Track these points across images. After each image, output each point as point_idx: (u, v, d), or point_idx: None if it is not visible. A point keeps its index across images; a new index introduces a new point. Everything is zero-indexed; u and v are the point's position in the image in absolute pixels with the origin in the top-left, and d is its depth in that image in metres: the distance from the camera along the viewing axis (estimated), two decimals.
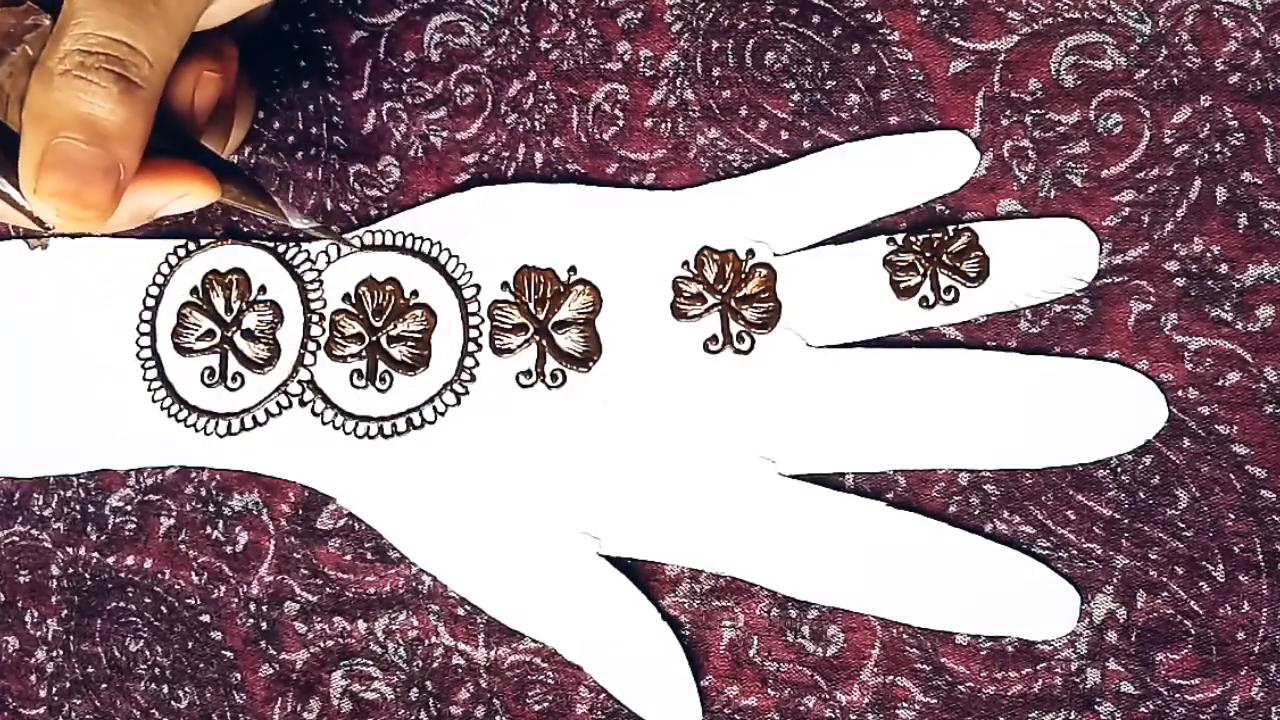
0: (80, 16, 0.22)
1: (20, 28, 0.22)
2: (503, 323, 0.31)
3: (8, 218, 0.24)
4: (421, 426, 0.31)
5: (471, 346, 0.31)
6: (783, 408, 0.30)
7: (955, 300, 0.30)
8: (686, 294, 0.31)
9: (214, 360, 0.32)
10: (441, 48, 0.33)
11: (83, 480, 0.33)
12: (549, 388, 0.31)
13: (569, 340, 0.31)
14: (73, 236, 0.33)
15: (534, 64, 0.33)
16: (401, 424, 0.31)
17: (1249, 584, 0.28)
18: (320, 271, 0.32)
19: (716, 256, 0.31)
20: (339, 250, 0.32)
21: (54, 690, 0.33)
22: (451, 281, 0.32)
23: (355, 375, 0.32)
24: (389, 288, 0.32)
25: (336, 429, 0.31)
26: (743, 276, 0.31)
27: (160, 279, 0.33)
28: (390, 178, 0.33)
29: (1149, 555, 0.28)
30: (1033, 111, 0.30)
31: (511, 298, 0.32)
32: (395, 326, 0.32)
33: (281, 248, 0.33)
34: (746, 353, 0.30)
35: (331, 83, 0.33)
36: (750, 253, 0.31)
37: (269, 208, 0.27)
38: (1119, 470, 0.29)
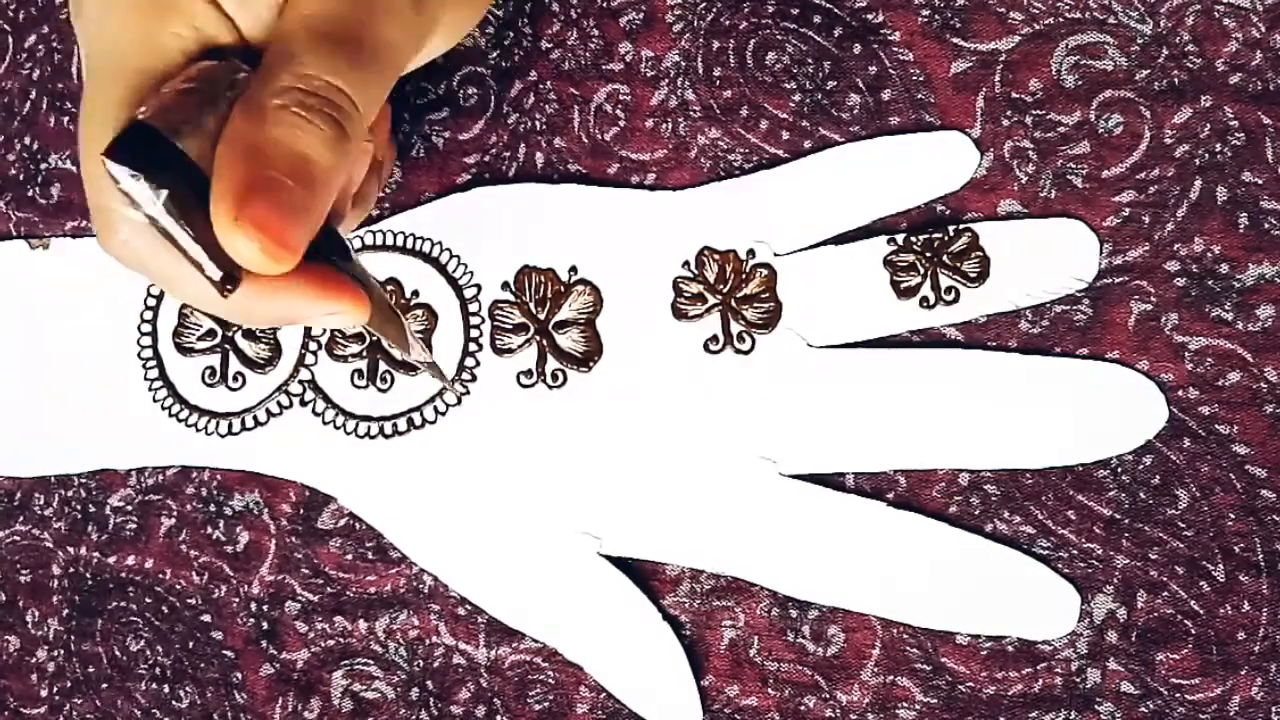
0: (302, 56, 0.21)
1: (227, 81, 0.22)
2: (503, 323, 0.31)
3: (167, 280, 0.22)
4: (422, 426, 0.31)
5: (472, 346, 0.31)
6: (783, 408, 0.30)
7: (955, 300, 0.30)
8: (687, 294, 0.31)
9: (215, 360, 0.32)
10: None
11: (84, 480, 0.33)
12: (549, 388, 0.31)
13: (569, 340, 0.31)
14: (222, 326, 0.31)
15: (535, 64, 0.33)
16: (402, 424, 0.31)
17: (1249, 584, 0.28)
18: None
19: (717, 256, 0.31)
20: (443, 391, 0.31)
21: (55, 690, 0.33)
22: (452, 281, 0.32)
23: (356, 375, 0.32)
24: (389, 287, 0.32)
25: (337, 429, 0.32)
26: (743, 276, 0.31)
27: None
28: (391, 177, 0.33)
29: (1149, 555, 0.28)
30: (1033, 112, 0.30)
31: (512, 298, 0.32)
32: None
33: None
34: (747, 353, 0.30)
35: None
36: (751, 253, 0.31)
37: (398, 336, 0.26)
38: (1119, 470, 0.29)
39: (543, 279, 0.32)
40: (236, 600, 0.32)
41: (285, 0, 0.22)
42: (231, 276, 0.21)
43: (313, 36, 0.22)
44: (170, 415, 0.32)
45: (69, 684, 0.33)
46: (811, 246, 0.31)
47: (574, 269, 0.31)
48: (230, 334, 0.32)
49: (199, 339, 0.32)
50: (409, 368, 0.31)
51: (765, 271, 0.31)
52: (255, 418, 0.32)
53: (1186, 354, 0.29)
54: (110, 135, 0.21)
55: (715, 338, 0.31)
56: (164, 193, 0.20)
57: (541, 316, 0.31)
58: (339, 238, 0.23)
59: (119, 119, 0.21)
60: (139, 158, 0.20)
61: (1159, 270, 0.29)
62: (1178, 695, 0.28)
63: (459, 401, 0.31)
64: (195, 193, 0.20)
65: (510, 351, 0.31)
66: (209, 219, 0.20)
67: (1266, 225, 0.29)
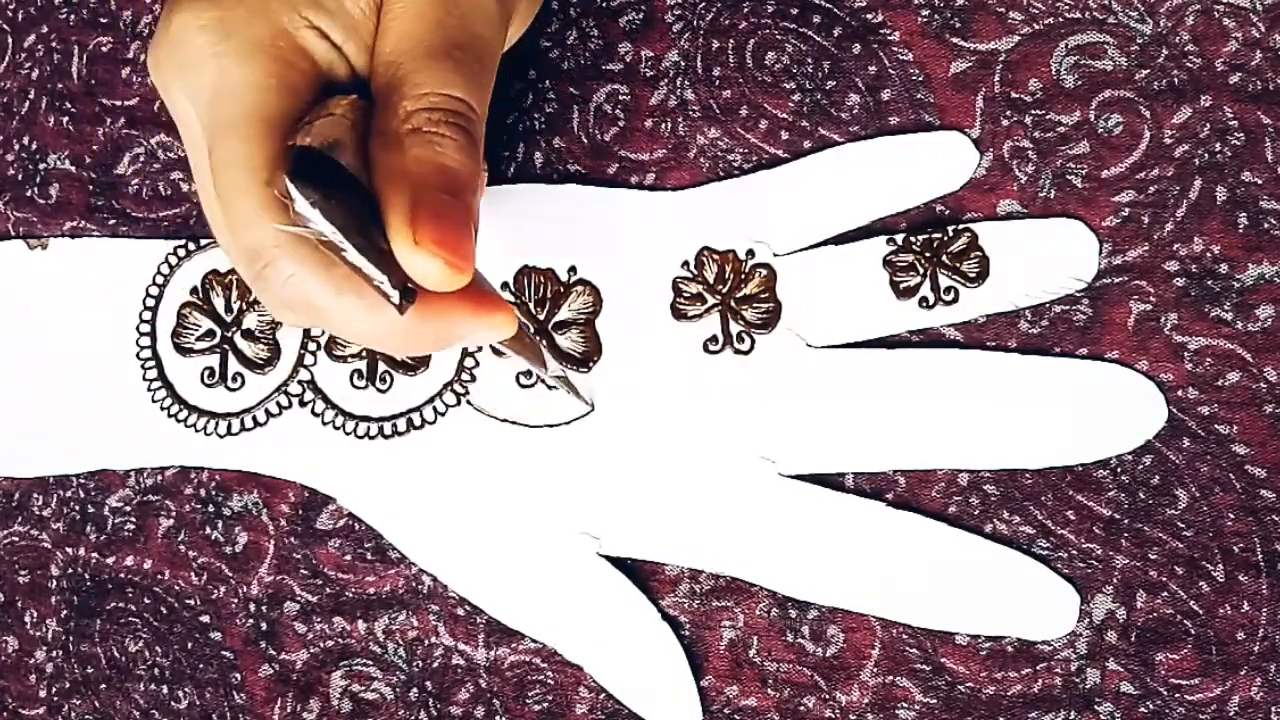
0: (414, 78, 0.22)
1: (355, 110, 0.22)
2: None
3: (329, 314, 0.23)
4: (421, 426, 0.31)
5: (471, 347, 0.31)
6: (783, 408, 0.30)
7: (955, 300, 0.30)
8: (686, 294, 0.31)
9: (214, 360, 0.32)
10: None
11: (82, 480, 0.33)
12: (550, 388, 0.31)
13: (569, 340, 0.31)
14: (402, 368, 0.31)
15: (535, 64, 0.33)
16: (402, 424, 0.31)
17: (1249, 584, 0.28)
18: None
19: (716, 257, 0.31)
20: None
21: (53, 690, 0.33)
22: None
23: (355, 375, 0.32)
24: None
25: (337, 429, 0.31)
26: (743, 277, 0.31)
27: (160, 279, 0.33)
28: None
29: (1149, 555, 0.28)
30: (1033, 112, 0.30)
31: (511, 298, 0.32)
32: None
33: None
34: (746, 353, 0.30)
35: None
36: (750, 253, 0.31)
37: (534, 355, 0.27)
38: (1119, 470, 0.29)
39: (542, 279, 0.31)
40: (235, 601, 0.32)
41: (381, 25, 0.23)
42: (409, 292, 0.21)
43: (417, 55, 0.23)
44: (169, 416, 0.32)
45: (67, 684, 0.33)
46: (811, 246, 0.31)
47: (573, 269, 0.31)
48: (229, 334, 0.32)
49: (198, 339, 0.32)
50: (407, 368, 0.31)
51: (765, 272, 0.31)
52: (254, 418, 0.32)
53: (1186, 354, 0.29)
54: (254, 178, 0.21)
55: (715, 338, 0.31)
56: (340, 212, 0.20)
57: (541, 317, 0.31)
58: (480, 276, 0.24)
59: (267, 159, 0.21)
60: (315, 181, 0.20)
61: (1158, 270, 0.29)
62: (1177, 695, 0.28)
63: (592, 410, 0.31)
64: (364, 214, 0.21)
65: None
66: (376, 241, 0.20)
67: (1266, 225, 0.29)
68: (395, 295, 0.21)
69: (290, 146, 0.21)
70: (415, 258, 0.20)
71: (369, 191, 0.21)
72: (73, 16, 0.35)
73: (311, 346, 0.32)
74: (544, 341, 0.31)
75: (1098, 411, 0.29)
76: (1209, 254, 0.29)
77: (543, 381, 0.31)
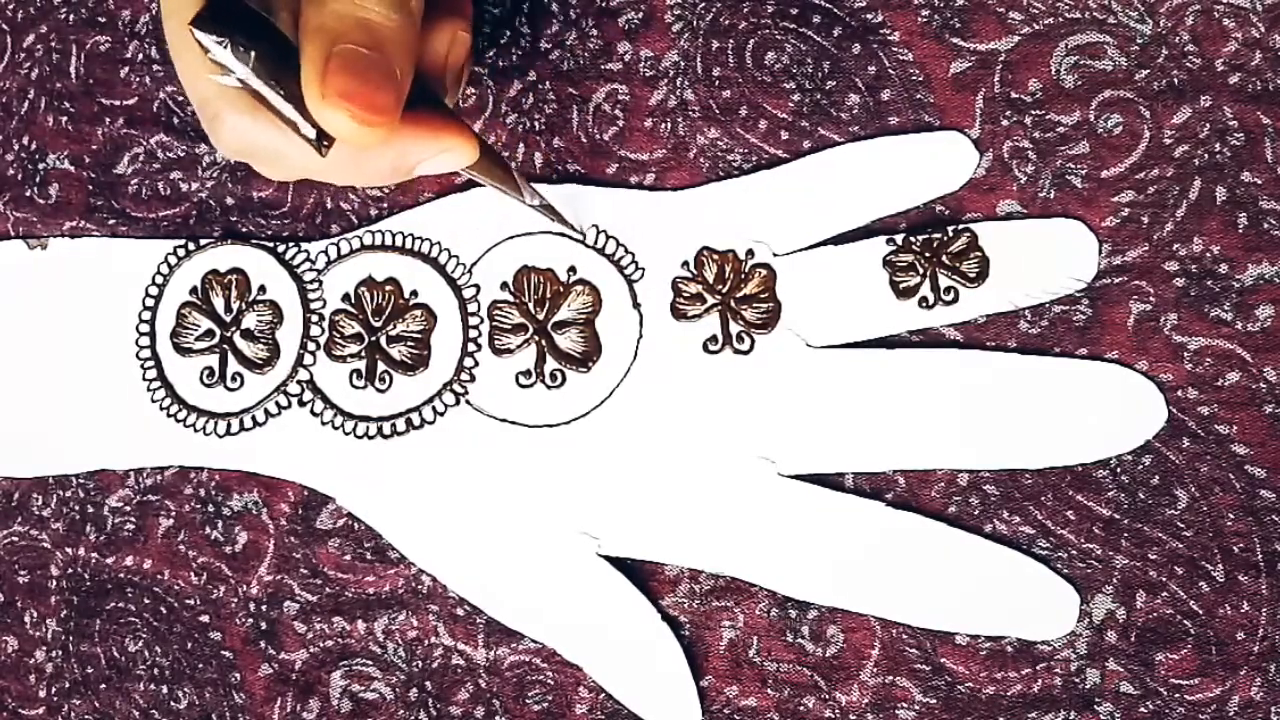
0: None
1: None
2: (502, 323, 0.31)
3: (279, 156, 0.24)
4: (421, 426, 0.31)
5: (471, 346, 0.31)
6: (783, 408, 0.30)
7: (955, 300, 0.30)
8: (686, 294, 0.31)
9: (213, 360, 0.32)
10: None
11: (82, 480, 0.33)
12: (548, 388, 0.31)
13: (569, 340, 0.31)
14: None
15: (534, 64, 0.33)
16: (401, 424, 0.31)
17: (1249, 584, 0.28)
18: (320, 272, 0.32)
19: (716, 256, 0.31)
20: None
21: (53, 690, 0.33)
22: (451, 281, 0.32)
23: (355, 375, 0.32)
24: (388, 288, 0.32)
25: (336, 429, 0.31)
26: (742, 276, 0.31)
27: (160, 279, 0.33)
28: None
29: (1148, 555, 0.28)
30: (1033, 112, 0.30)
31: (511, 298, 0.32)
32: (395, 326, 0.32)
33: (281, 248, 0.33)
34: (746, 353, 0.30)
35: None
36: (750, 253, 0.31)
37: (508, 182, 0.27)
38: (1119, 470, 0.29)
39: (542, 279, 0.31)
40: (235, 600, 0.32)
41: None
42: (326, 133, 0.23)
43: None
44: (168, 415, 0.32)
45: (67, 684, 0.33)
46: (811, 247, 0.31)
47: (573, 269, 0.31)
48: (228, 334, 0.32)
49: (197, 339, 0.32)
50: (407, 368, 0.31)
51: (764, 271, 0.31)
52: (254, 418, 0.32)
53: (1186, 354, 0.29)
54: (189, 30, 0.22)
55: (714, 338, 0.31)
56: (251, 54, 0.21)
57: (540, 316, 0.31)
58: (443, 105, 0.25)
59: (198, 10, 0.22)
60: (224, 25, 0.21)
61: (1158, 270, 0.29)
62: (1177, 695, 0.28)
63: (584, 241, 0.31)
64: (285, 59, 0.22)
65: (509, 352, 0.31)
66: (295, 89, 0.22)
67: (1266, 225, 0.29)
68: (312, 134, 0.23)
69: None
70: (323, 110, 0.21)
71: (291, 42, 0.22)
72: (71, 16, 0.35)
73: (311, 347, 0.32)
74: (545, 342, 0.31)
75: (1098, 411, 0.29)
76: (1209, 254, 0.29)
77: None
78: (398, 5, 0.23)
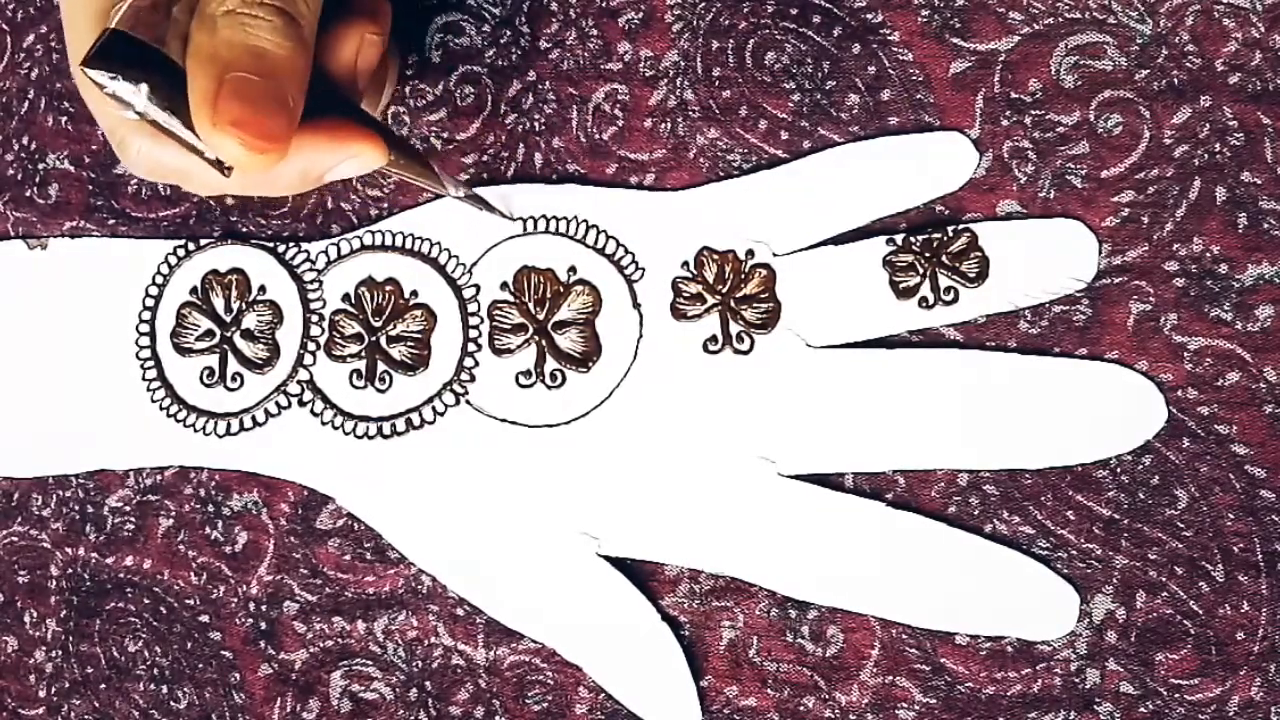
0: None
1: None
2: (502, 323, 0.31)
3: (187, 175, 0.25)
4: (421, 426, 0.31)
5: (471, 347, 0.31)
6: (783, 408, 0.30)
7: (955, 300, 0.30)
8: (686, 294, 0.31)
9: (213, 360, 0.32)
10: (442, 48, 0.33)
11: (82, 480, 0.33)
12: (548, 388, 0.31)
13: (569, 340, 0.31)
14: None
15: (534, 64, 0.33)
16: (401, 424, 0.31)
17: (1248, 584, 0.28)
18: (320, 272, 0.32)
19: (716, 257, 0.31)
20: (510, 212, 0.31)
21: (53, 690, 0.33)
22: (451, 281, 0.32)
23: (355, 375, 0.32)
24: (388, 288, 0.32)
25: (336, 429, 0.31)
26: (742, 277, 0.31)
27: (160, 279, 0.33)
28: (391, 178, 0.33)
29: (1148, 555, 0.28)
30: (1033, 112, 0.30)
31: (511, 298, 0.32)
32: (395, 327, 0.32)
33: (281, 248, 0.33)
34: (746, 353, 0.30)
35: None
36: (750, 253, 0.31)
37: (429, 177, 0.28)
38: (1119, 470, 0.29)
39: (542, 279, 0.31)
40: (235, 600, 0.32)
41: None
42: None
43: None
44: (168, 416, 0.32)
45: (67, 684, 0.33)
46: (811, 247, 0.31)
47: (573, 269, 0.31)
48: (228, 334, 0.32)
49: (197, 339, 0.32)
50: (407, 368, 0.31)
51: (764, 272, 0.31)
52: (254, 418, 0.32)
53: (1185, 354, 0.29)
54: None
55: (714, 338, 0.31)
56: (144, 87, 0.22)
57: (540, 317, 0.31)
58: (359, 110, 0.26)
59: (93, 37, 0.23)
60: (115, 61, 0.22)
61: (1158, 270, 0.29)
62: (1177, 695, 0.28)
63: (514, 222, 0.31)
64: (179, 88, 0.22)
65: (509, 352, 0.31)
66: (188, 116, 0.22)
67: (1265, 225, 0.29)
68: (213, 156, 0.23)
69: (102, 31, 0.22)
70: (213, 137, 0.22)
71: (181, 68, 0.23)
72: None
73: (311, 347, 0.32)
74: (545, 342, 0.31)
75: (1098, 411, 0.29)
76: (1209, 254, 0.29)
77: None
78: (289, 32, 0.23)
